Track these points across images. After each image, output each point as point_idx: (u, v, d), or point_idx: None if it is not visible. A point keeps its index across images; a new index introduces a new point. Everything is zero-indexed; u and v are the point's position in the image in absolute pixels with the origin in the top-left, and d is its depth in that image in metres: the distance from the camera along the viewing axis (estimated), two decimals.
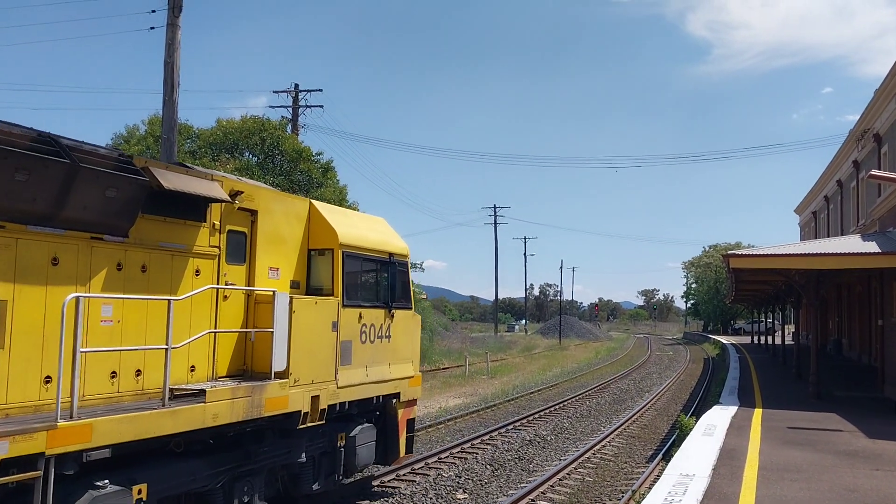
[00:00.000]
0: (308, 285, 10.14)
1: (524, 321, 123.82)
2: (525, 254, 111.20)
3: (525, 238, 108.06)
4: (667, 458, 13.81)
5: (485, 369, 37.91)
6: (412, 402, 12.17)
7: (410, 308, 11.96)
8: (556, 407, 23.75)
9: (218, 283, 8.62)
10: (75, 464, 6.30)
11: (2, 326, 6.23)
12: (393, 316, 11.26)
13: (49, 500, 5.92)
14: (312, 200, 10.38)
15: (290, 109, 36.40)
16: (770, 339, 44.42)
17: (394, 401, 11.51)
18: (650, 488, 10.03)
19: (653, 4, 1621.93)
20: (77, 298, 6.25)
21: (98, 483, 6.49)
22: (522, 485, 12.96)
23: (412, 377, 11.99)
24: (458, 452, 15.72)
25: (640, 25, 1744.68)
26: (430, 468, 14.16)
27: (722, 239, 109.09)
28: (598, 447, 16.71)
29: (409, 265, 12.11)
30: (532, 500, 11.98)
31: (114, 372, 7.29)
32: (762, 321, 51.26)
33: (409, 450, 12.19)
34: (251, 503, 8.69)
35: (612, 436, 18.29)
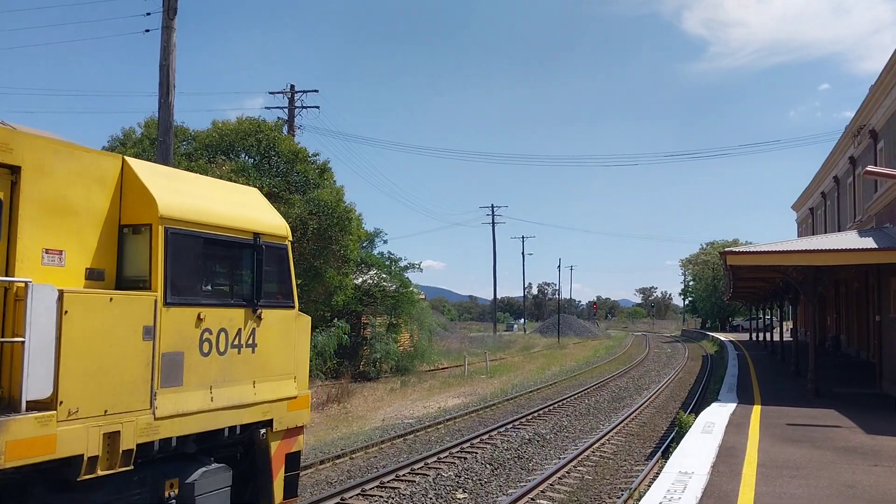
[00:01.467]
0: (120, 276, 7.40)
1: (523, 320, 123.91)
2: (523, 253, 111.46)
3: (523, 237, 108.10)
4: (666, 455, 13.82)
5: (484, 369, 37.92)
6: (295, 431, 9.12)
7: (293, 307, 9.10)
8: (555, 405, 23.77)
9: None
10: None
11: None
12: (261, 318, 8.35)
13: None
14: (127, 157, 7.68)
15: (286, 111, 36.43)
16: (768, 336, 44.49)
17: (263, 431, 8.51)
18: (649, 486, 10.03)
19: (648, 3, 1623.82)
20: None
21: None
22: (522, 484, 12.97)
23: (294, 398, 8.99)
24: (457, 452, 15.72)
25: (636, 24, 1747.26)
26: (429, 468, 14.16)
27: (719, 236, 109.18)
28: (597, 445, 16.72)
29: (290, 249, 9.18)
30: (532, 499, 11.99)
31: None
32: (760, 318, 51.34)
33: (290, 493, 9.17)
34: None
35: (611, 434, 18.30)
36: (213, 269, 8.22)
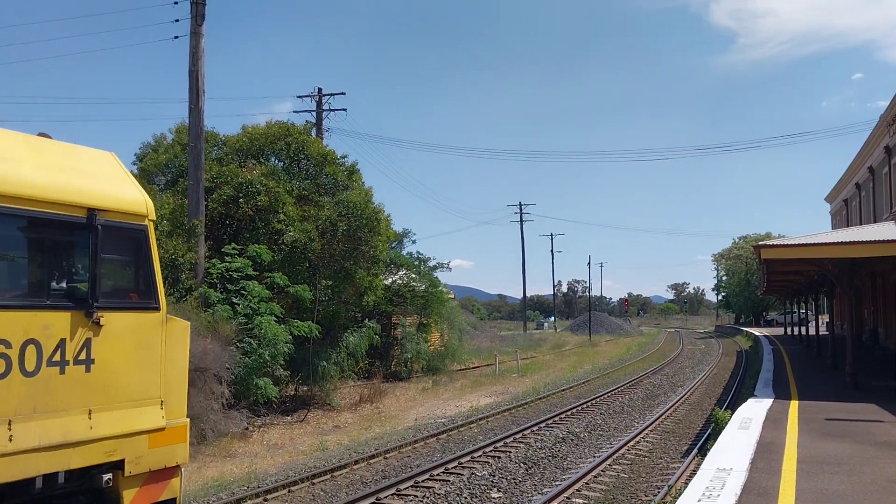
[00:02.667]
0: None
1: (553, 318, 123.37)
2: (552, 251, 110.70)
3: (552, 235, 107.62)
4: (702, 452, 13.68)
5: (515, 368, 37.81)
6: (166, 474, 7.02)
7: (156, 308, 6.99)
8: (589, 404, 23.62)
9: None
10: None
11: None
12: (99, 324, 6.34)
13: None
14: None
15: (314, 114, 36.67)
16: (803, 330, 43.81)
17: (107, 477, 6.46)
18: (686, 483, 9.93)
19: None
20: None
21: None
22: (557, 483, 12.91)
23: (162, 429, 6.89)
24: (491, 451, 15.69)
25: (663, 17, 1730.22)
26: (463, 468, 14.15)
27: (752, 230, 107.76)
28: (632, 443, 16.58)
29: (152, 232, 7.13)
30: (567, 498, 11.93)
31: None
32: (795, 312, 50.55)
33: None
34: None
35: (646, 431, 18.15)
36: (11, 257, 6.28)
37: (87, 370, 6.25)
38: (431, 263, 35.77)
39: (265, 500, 11.93)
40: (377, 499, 11.74)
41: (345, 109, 37.55)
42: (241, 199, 22.50)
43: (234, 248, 20.91)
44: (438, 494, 12.07)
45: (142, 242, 6.95)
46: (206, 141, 21.45)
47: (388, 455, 15.49)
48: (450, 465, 14.14)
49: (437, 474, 13.49)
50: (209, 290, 19.73)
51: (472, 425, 19.39)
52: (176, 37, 21.15)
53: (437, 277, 35.64)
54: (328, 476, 13.52)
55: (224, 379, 17.35)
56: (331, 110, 36.92)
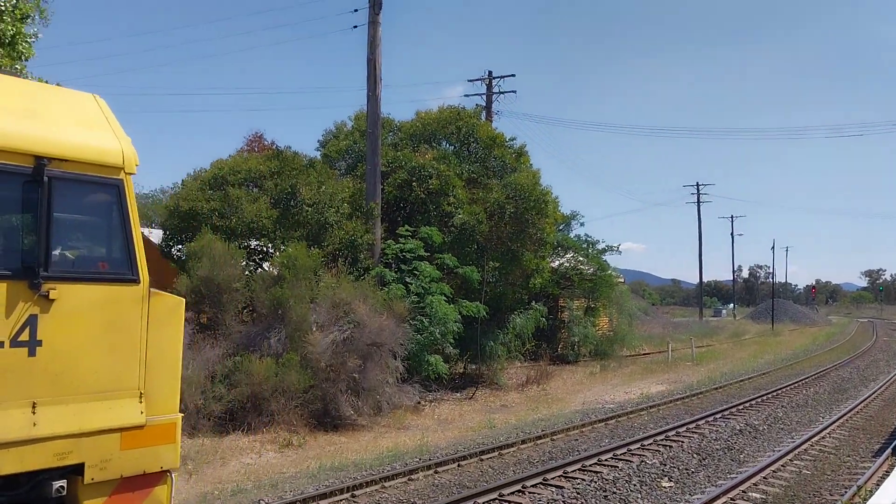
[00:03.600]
0: None
1: (732, 305, 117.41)
2: (732, 234, 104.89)
3: (732, 217, 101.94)
4: None
5: (689, 355, 36.50)
6: (146, 481, 5.80)
7: (134, 280, 5.70)
8: (769, 396, 22.39)
9: None
10: None
11: None
12: (48, 297, 5.20)
13: None
14: None
15: (483, 97, 37.07)
16: None
17: (59, 485, 5.31)
18: (878, 484, 9.22)
19: None
20: None
21: None
22: (732, 475, 12.41)
23: (140, 427, 5.69)
24: (661, 440, 15.32)
25: None
26: (632, 454, 13.94)
27: None
28: (816, 438, 15.57)
29: (128, 187, 5.80)
30: (743, 492, 11.44)
31: None
32: None
33: None
34: None
35: (832, 427, 16.96)
36: None
37: (31, 354, 5.09)
38: (600, 246, 35.20)
39: (436, 471, 12.38)
40: (544, 479, 11.84)
41: (514, 91, 37.58)
42: (414, 183, 23.23)
43: (407, 230, 21.67)
44: (606, 480, 11.98)
45: (114, 200, 5.65)
46: (382, 127, 22.33)
47: (554, 437, 15.54)
48: (618, 451, 13.97)
49: (606, 459, 13.38)
50: (385, 269, 20.60)
51: (642, 412, 19.00)
52: (355, 26, 22.05)
53: (605, 261, 35.02)
54: (496, 453, 13.80)
55: (398, 354, 18.09)
56: (500, 93, 37.13)
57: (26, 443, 5.02)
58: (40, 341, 5.11)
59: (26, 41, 13.10)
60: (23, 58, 13.13)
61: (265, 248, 20.38)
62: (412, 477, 11.95)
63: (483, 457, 13.49)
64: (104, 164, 5.58)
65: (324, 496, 10.51)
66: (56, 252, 5.34)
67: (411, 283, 20.32)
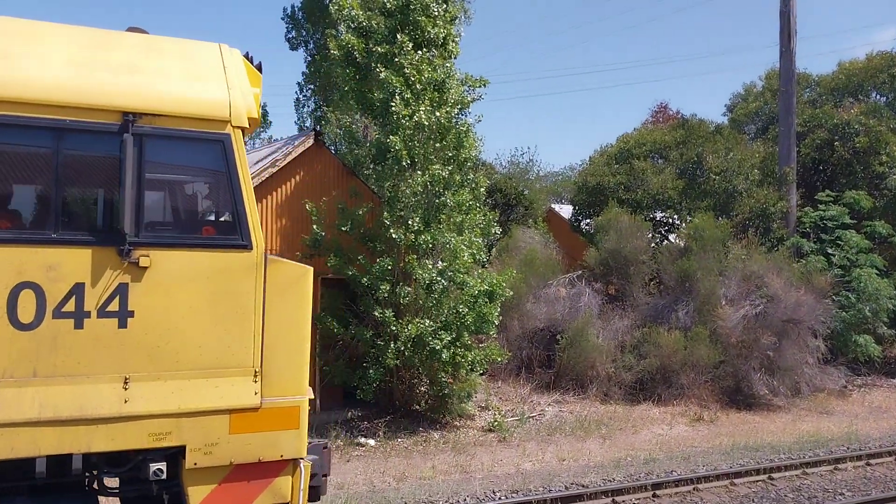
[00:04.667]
0: None
1: None
2: None
3: None
4: None
5: None
6: (260, 471, 5.12)
7: (245, 246, 5.05)
8: None
9: None
10: None
11: None
12: (139, 265, 4.76)
13: None
14: None
15: None
16: None
17: (158, 467, 4.85)
18: None
19: None
20: None
21: None
22: None
23: (255, 409, 5.06)
24: None
25: None
26: None
27: None
28: None
29: (238, 144, 5.13)
30: None
31: None
32: None
33: None
34: None
35: None
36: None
37: (122, 325, 4.69)
38: None
39: (867, 463, 11.23)
40: None
41: None
42: (836, 143, 20.98)
43: (828, 196, 19.73)
44: None
45: (220, 157, 5.05)
46: (797, 84, 20.58)
47: None
48: None
49: None
50: (801, 239, 19.07)
51: None
52: None
53: None
54: None
55: (818, 333, 16.67)
56: None
57: (116, 420, 4.61)
58: (132, 312, 4.69)
59: (454, 41, 14.74)
60: (452, 56, 14.78)
61: (671, 220, 20.29)
62: (838, 466, 11.00)
63: None
64: (206, 118, 4.98)
65: (738, 475, 10.24)
66: (149, 217, 4.95)
67: (834, 255, 18.49)
